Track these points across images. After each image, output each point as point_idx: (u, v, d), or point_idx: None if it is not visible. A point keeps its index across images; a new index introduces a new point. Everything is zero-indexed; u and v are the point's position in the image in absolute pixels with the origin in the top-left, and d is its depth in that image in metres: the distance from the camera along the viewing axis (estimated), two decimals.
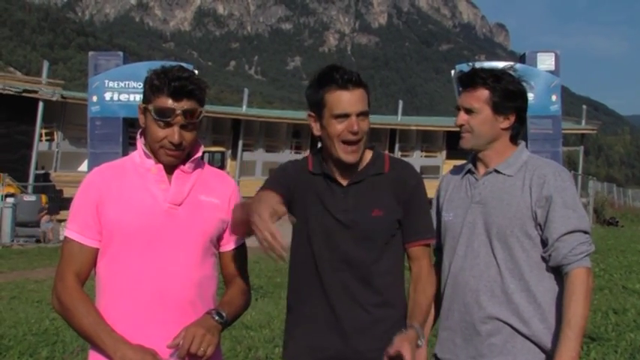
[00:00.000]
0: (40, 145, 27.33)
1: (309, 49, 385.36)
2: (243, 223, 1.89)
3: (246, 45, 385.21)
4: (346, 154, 2.05)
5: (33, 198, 21.74)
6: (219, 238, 2.06)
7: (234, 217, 1.99)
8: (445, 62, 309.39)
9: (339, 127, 2.03)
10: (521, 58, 16.07)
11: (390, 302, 2.08)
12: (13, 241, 19.70)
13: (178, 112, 1.90)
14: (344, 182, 2.11)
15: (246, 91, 36.30)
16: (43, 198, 21.73)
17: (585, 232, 2.06)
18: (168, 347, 1.83)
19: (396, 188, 2.11)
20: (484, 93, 2.16)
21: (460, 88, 2.25)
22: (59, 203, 22.66)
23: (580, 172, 34.99)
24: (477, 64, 2.29)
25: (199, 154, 2.05)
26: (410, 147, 38.03)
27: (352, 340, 2.04)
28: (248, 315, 6.43)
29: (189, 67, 2.77)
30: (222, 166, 28.55)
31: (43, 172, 28.07)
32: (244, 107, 35.64)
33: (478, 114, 2.17)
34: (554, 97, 15.36)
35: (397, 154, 33.40)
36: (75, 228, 1.95)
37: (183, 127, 1.92)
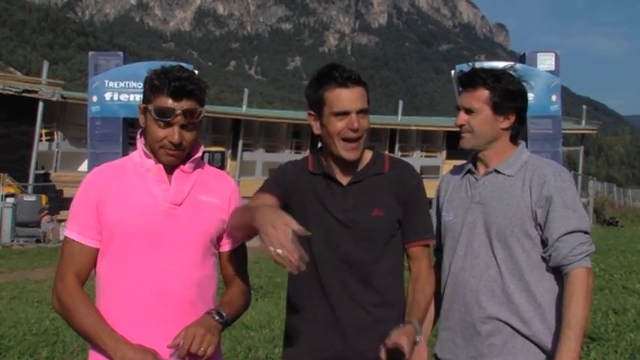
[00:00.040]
0: (40, 145, 27.33)
1: (309, 49, 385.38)
2: (246, 228, 1.89)
3: (246, 45, 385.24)
4: (347, 152, 2.05)
5: (33, 198, 21.75)
6: (219, 238, 2.06)
7: (234, 220, 1.98)
8: (445, 62, 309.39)
9: (339, 124, 2.03)
10: (521, 58, 16.08)
11: (390, 302, 2.08)
12: (13, 241, 19.70)
13: (178, 111, 1.90)
14: (344, 182, 2.11)
15: (246, 91, 36.29)
16: (43, 198, 21.73)
17: (585, 233, 2.06)
18: (169, 347, 1.83)
19: (396, 188, 2.11)
20: (484, 93, 2.16)
21: (460, 88, 2.25)
22: (59, 203, 22.65)
23: (580, 172, 34.99)
24: (477, 64, 2.29)
25: (199, 154, 2.05)
26: (410, 147, 38.03)
27: (352, 340, 2.04)
28: (248, 315, 6.43)
29: (189, 67, 2.77)
30: (222, 166, 28.55)
31: (43, 172, 28.07)
32: (244, 107, 35.64)
33: (478, 114, 2.17)
34: (554, 97, 15.38)
35: (397, 154, 33.40)
36: (75, 228, 1.95)
37: (183, 126, 1.92)
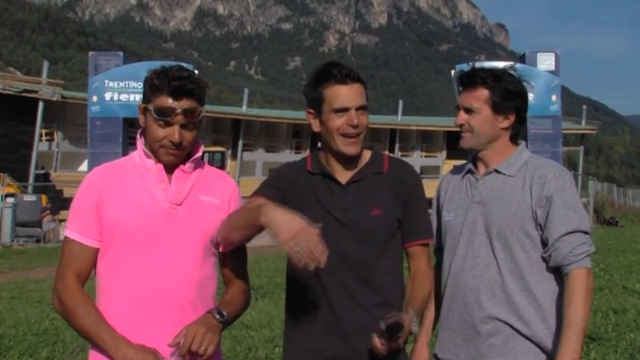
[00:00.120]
0: (40, 145, 27.31)
1: (309, 49, 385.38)
2: (249, 227, 1.90)
3: (246, 45, 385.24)
4: (346, 146, 2.05)
5: (33, 198, 21.72)
6: None
7: (234, 221, 1.97)
8: (445, 62, 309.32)
9: (338, 121, 2.04)
10: (521, 58, 16.11)
11: (390, 302, 2.07)
12: (13, 241, 19.69)
13: (178, 111, 1.90)
14: (343, 181, 2.11)
15: (246, 91, 36.28)
16: (43, 198, 21.71)
17: (585, 233, 2.06)
18: (169, 345, 1.83)
19: (395, 187, 2.11)
20: (484, 92, 2.16)
21: (460, 88, 2.25)
22: (59, 203, 22.62)
23: (580, 172, 34.98)
24: (477, 64, 2.29)
25: (199, 153, 2.05)
26: (410, 147, 38.03)
27: (352, 340, 2.03)
28: (248, 315, 6.43)
29: (189, 67, 2.77)
30: (222, 166, 28.54)
31: (43, 172, 28.05)
32: (244, 107, 35.63)
33: (478, 113, 2.17)
34: (554, 97, 15.40)
35: (397, 154, 33.39)
36: (75, 228, 1.95)
37: (183, 126, 1.92)
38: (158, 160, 1.98)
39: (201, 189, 2.02)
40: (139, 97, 2.07)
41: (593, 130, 39.32)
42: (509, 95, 2.16)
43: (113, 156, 6.45)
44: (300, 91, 2.24)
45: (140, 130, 2.01)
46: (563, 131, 18.17)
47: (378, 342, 1.88)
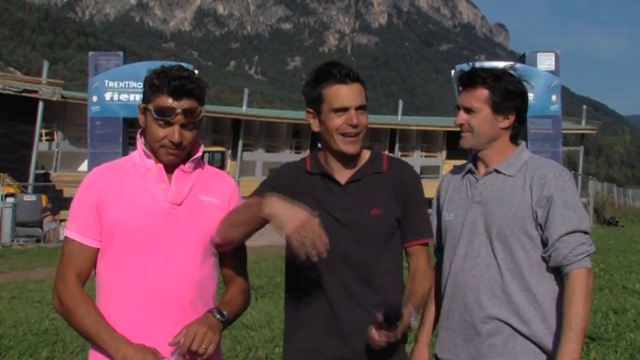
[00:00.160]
0: (40, 145, 27.31)
1: (309, 49, 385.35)
2: (249, 222, 1.90)
3: (246, 45, 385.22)
4: (346, 145, 2.05)
5: (33, 198, 21.71)
6: None
7: (234, 218, 1.98)
8: (445, 62, 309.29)
9: (337, 120, 2.04)
10: (521, 58, 16.10)
11: (390, 302, 2.07)
12: (13, 241, 19.69)
13: (178, 111, 1.90)
14: (342, 181, 2.10)
15: (246, 91, 36.28)
16: (44, 198, 21.71)
17: (585, 233, 2.06)
18: (170, 344, 1.83)
19: (394, 187, 2.11)
20: (484, 92, 2.16)
21: (460, 88, 2.26)
22: (59, 203, 22.62)
23: (580, 172, 34.98)
24: (477, 64, 2.29)
25: (199, 153, 2.05)
26: (410, 147, 38.02)
27: (352, 340, 2.03)
28: (248, 315, 6.42)
29: (189, 67, 2.77)
30: (222, 166, 28.53)
31: (43, 172, 28.05)
32: (244, 107, 35.63)
33: (478, 113, 2.17)
34: (554, 97, 15.40)
35: (397, 154, 33.39)
36: (75, 228, 1.95)
37: (183, 126, 1.92)
38: (158, 160, 1.98)
39: (201, 189, 2.02)
40: (139, 97, 2.07)
41: (593, 130, 39.32)
42: (509, 95, 2.16)
43: (113, 156, 6.45)
44: (300, 91, 2.24)
45: (140, 130, 2.01)
46: (563, 131, 18.17)
47: (375, 334, 1.87)
